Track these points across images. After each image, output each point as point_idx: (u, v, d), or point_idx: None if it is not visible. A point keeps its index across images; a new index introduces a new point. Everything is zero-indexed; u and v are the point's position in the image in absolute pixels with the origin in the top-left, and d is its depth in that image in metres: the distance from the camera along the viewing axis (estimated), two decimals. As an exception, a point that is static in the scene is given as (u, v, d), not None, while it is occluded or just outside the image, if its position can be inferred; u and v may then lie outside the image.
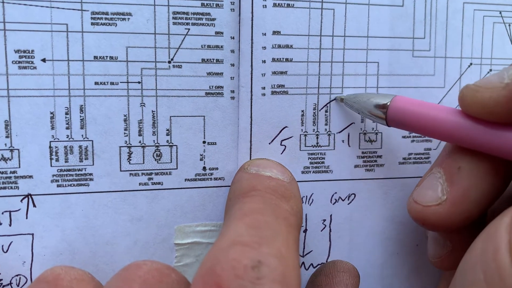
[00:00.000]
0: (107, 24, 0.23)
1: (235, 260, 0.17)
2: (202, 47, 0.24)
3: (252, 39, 0.24)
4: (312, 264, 0.26)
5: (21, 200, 0.23)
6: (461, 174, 0.21)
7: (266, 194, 0.21)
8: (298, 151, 0.25)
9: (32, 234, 0.23)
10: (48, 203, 0.23)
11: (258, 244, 0.18)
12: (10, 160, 0.22)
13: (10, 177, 0.22)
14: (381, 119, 0.23)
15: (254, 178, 0.22)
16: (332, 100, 0.25)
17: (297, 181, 0.25)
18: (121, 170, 0.24)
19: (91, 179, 0.23)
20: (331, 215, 0.26)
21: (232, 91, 0.24)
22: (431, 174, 0.22)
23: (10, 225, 0.23)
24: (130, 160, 0.24)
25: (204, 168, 0.24)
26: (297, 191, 0.23)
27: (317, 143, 0.25)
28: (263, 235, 0.18)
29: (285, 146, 0.25)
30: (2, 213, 0.23)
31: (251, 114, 0.24)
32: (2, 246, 0.23)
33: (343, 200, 0.26)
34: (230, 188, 0.24)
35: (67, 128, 0.23)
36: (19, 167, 0.22)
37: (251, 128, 0.25)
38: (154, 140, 0.24)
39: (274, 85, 0.24)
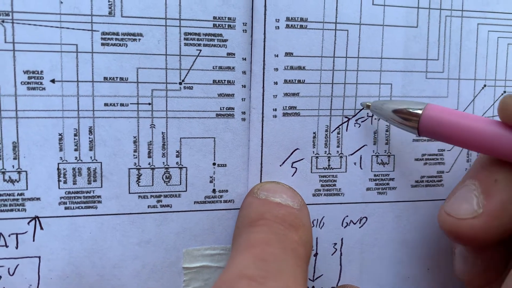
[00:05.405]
0: (118, 44, 0.22)
1: None
2: (213, 68, 0.23)
3: (264, 61, 0.24)
4: (322, 288, 0.26)
5: (28, 223, 0.22)
6: (498, 187, 0.20)
7: (274, 224, 0.21)
8: (309, 174, 0.25)
9: (39, 257, 0.22)
10: (55, 226, 0.22)
11: (264, 278, 0.17)
12: (17, 182, 0.22)
13: (17, 199, 0.22)
14: (411, 128, 0.22)
15: (262, 205, 0.22)
16: (345, 122, 0.25)
17: (308, 204, 0.24)
18: (129, 193, 0.23)
19: (99, 202, 0.23)
20: (342, 239, 0.26)
21: (243, 113, 0.24)
22: (464, 186, 0.21)
23: (16, 247, 0.22)
24: (139, 182, 0.23)
25: (214, 191, 0.24)
26: (307, 219, 0.22)
27: (329, 165, 0.25)
28: (270, 268, 0.18)
29: (296, 168, 0.25)
30: (9, 236, 0.22)
31: (262, 135, 0.24)
32: (9, 269, 0.22)
33: (354, 224, 0.26)
34: (238, 214, 0.23)
35: (75, 150, 0.22)
36: (27, 189, 0.22)
37: (262, 150, 0.24)
38: (163, 162, 0.23)
39: (286, 106, 0.24)
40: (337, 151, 0.25)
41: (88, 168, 0.23)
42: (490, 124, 0.21)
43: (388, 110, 0.23)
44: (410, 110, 0.22)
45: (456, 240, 0.21)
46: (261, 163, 0.24)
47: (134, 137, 0.23)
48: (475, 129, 0.21)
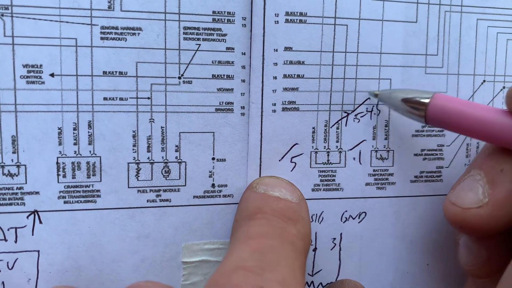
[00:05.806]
0: (117, 39, 0.22)
1: (237, 286, 0.16)
2: (212, 62, 0.23)
3: (263, 55, 0.24)
4: (321, 283, 0.26)
5: (27, 217, 0.22)
6: (504, 177, 0.20)
7: (273, 217, 0.21)
8: (308, 169, 0.25)
9: (38, 251, 0.22)
10: (54, 220, 0.22)
11: (261, 269, 0.17)
12: (16, 176, 0.22)
13: (16, 193, 0.22)
14: (419, 117, 0.22)
15: (261, 199, 0.22)
16: (344, 117, 0.25)
17: (307, 199, 0.24)
18: (129, 187, 0.23)
19: (99, 196, 0.23)
20: (341, 234, 0.26)
21: (243, 107, 0.24)
22: (469, 176, 0.21)
23: (15, 241, 0.22)
24: (138, 176, 0.23)
25: (213, 185, 0.24)
26: (306, 212, 0.22)
27: (328, 160, 0.25)
28: (267, 260, 0.18)
29: (296, 163, 0.25)
30: (8, 230, 0.22)
31: (261, 130, 0.24)
32: (8, 263, 0.22)
33: (353, 219, 0.26)
34: (237, 208, 0.23)
35: (74, 144, 0.22)
36: (26, 183, 0.22)
37: (261, 144, 0.24)
38: (163, 157, 0.23)
39: (285, 101, 0.24)
40: (336, 146, 0.25)
41: (87, 162, 0.23)
42: (497, 113, 0.21)
43: (396, 99, 0.23)
44: (418, 99, 0.22)
45: (461, 229, 0.21)
46: (260, 158, 0.24)
47: (133, 132, 0.23)
48: (481, 118, 0.21)
